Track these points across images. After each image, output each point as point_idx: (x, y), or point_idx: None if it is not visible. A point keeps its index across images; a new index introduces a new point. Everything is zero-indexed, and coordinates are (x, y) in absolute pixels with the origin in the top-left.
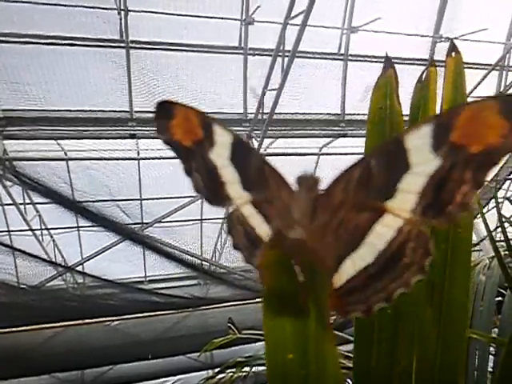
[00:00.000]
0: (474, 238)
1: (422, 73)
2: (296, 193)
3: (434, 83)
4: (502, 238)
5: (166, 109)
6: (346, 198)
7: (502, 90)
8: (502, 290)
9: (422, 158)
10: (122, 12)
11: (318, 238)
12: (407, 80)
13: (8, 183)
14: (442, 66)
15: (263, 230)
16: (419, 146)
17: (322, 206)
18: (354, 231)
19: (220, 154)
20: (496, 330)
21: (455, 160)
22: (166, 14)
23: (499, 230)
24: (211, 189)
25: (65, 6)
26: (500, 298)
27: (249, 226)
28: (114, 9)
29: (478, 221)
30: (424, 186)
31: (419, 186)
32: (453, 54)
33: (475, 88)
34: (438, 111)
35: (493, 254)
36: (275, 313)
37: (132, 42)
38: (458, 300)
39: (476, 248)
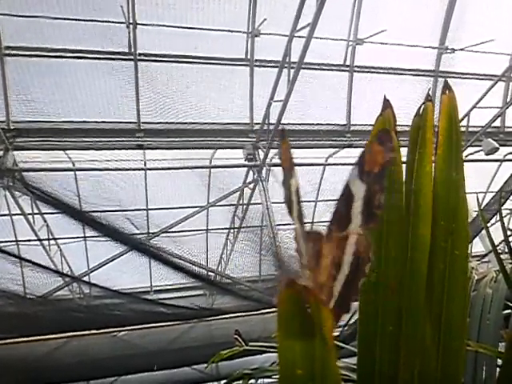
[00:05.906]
0: (483, 250)
1: (420, 107)
2: (305, 244)
3: (430, 114)
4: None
5: (281, 136)
6: (332, 240)
7: (508, 100)
8: (509, 303)
9: (357, 187)
10: (131, 25)
11: (320, 277)
12: (413, 90)
13: (17, 193)
14: (443, 77)
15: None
16: (354, 180)
17: (323, 254)
18: (339, 260)
19: (293, 186)
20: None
21: (369, 181)
22: (173, 27)
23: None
24: (289, 206)
25: (74, 20)
26: (508, 311)
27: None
28: (123, 23)
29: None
30: (362, 205)
31: (360, 207)
32: (447, 92)
33: (481, 98)
34: (434, 139)
35: None
36: (287, 336)
37: (140, 54)
38: (456, 316)
39: (485, 260)
